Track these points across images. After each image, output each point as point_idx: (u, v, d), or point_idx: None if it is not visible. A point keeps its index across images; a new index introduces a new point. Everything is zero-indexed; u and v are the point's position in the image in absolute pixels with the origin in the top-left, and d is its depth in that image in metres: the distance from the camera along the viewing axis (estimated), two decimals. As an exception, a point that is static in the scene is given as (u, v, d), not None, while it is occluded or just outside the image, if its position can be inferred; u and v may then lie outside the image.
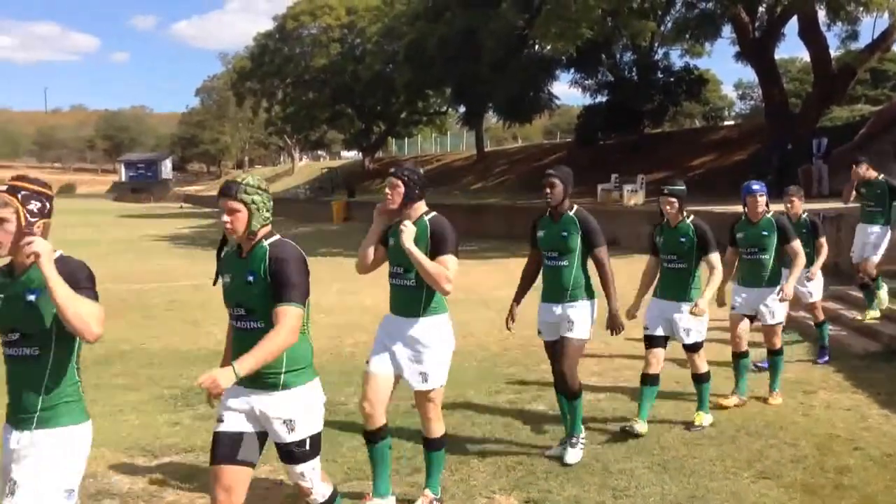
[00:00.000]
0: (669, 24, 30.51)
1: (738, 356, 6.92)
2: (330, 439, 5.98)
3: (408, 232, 4.30)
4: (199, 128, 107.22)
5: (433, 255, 4.36)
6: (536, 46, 33.02)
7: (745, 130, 32.87)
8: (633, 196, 24.56)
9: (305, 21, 53.80)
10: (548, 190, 5.52)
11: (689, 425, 6.17)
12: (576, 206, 5.47)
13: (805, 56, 33.51)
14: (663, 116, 37.62)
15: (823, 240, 8.25)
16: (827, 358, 8.31)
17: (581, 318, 5.39)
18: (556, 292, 5.46)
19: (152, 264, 20.28)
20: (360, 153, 60.59)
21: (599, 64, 35.24)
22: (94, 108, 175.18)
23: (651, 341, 6.06)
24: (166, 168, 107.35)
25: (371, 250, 4.58)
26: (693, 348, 6.09)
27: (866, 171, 9.56)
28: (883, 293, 9.48)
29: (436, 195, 39.15)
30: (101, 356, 9.37)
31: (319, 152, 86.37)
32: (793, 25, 25.03)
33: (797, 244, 6.87)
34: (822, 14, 23.93)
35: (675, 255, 6.03)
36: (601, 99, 36.39)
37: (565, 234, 5.37)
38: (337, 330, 10.71)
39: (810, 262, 8.00)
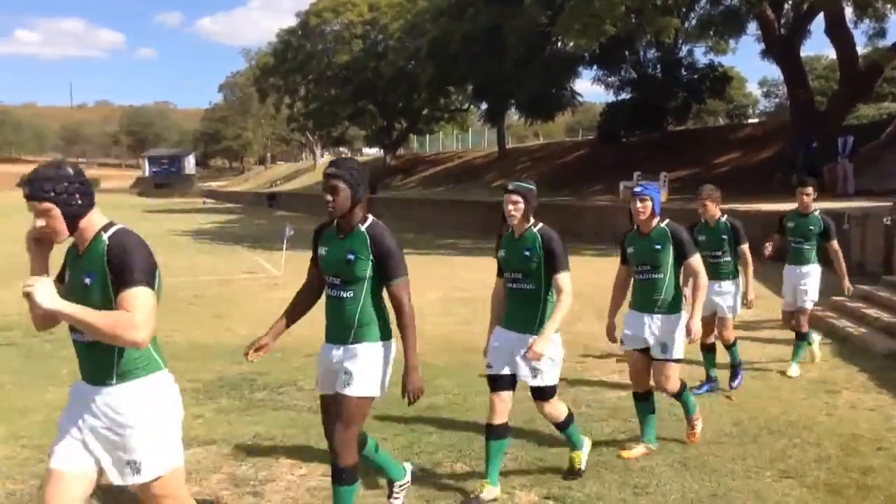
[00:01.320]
0: (693, 21, 30.27)
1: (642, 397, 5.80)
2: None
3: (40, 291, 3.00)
4: (221, 124, 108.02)
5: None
6: (559, 43, 32.92)
7: (770, 128, 32.60)
8: (656, 194, 24.40)
9: (328, 17, 54.03)
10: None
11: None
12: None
13: (831, 53, 33.16)
14: (687, 114, 37.38)
15: (745, 246, 7.19)
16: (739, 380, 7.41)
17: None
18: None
19: (177, 259, 20.42)
20: (382, 150, 60.73)
21: (623, 61, 35.07)
22: (119, 103, 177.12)
23: (494, 383, 4.88)
24: (189, 164, 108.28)
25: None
26: (541, 395, 4.89)
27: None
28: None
29: (457, 191, 39.19)
30: (125, 349, 9.46)
31: (341, 149, 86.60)
32: (819, 22, 24.83)
33: (695, 261, 5.58)
34: (849, 11, 23.70)
35: (519, 274, 4.86)
36: (624, 96, 36.21)
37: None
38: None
39: (732, 272, 7.24)
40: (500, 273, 5.04)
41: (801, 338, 8.00)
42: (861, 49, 25.96)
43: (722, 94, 37.56)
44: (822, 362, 8.20)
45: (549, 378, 4.81)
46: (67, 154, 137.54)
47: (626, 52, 34.16)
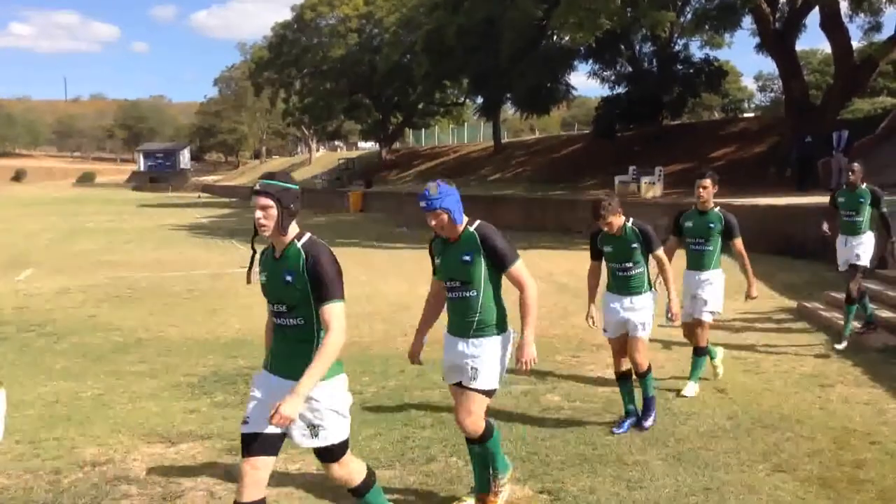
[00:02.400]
0: (689, 15, 30.29)
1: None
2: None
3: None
4: (217, 118, 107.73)
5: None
6: (555, 37, 32.88)
7: (765, 122, 32.64)
8: (651, 188, 24.44)
9: (323, 11, 53.96)
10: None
11: None
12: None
13: (826, 48, 33.17)
14: (682, 108, 37.37)
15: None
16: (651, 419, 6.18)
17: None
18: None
19: (172, 253, 20.40)
20: (378, 144, 60.68)
21: (618, 55, 35.04)
22: (114, 97, 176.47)
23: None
24: (184, 158, 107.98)
25: None
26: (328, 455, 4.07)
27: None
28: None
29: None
30: (119, 344, 9.47)
31: (337, 143, 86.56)
32: (814, 17, 24.80)
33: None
34: (844, 5, 23.76)
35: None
36: (620, 90, 36.20)
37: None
38: (355, 319, 10.74)
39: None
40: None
41: (700, 353, 6.94)
42: (856, 43, 26.08)
43: (717, 89, 37.55)
44: (816, 357, 8.21)
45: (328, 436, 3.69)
46: (61, 148, 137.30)
47: (622, 47, 34.13)
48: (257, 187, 3.60)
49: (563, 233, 22.66)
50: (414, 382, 7.23)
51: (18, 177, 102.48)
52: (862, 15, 25.17)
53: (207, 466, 5.32)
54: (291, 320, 3.62)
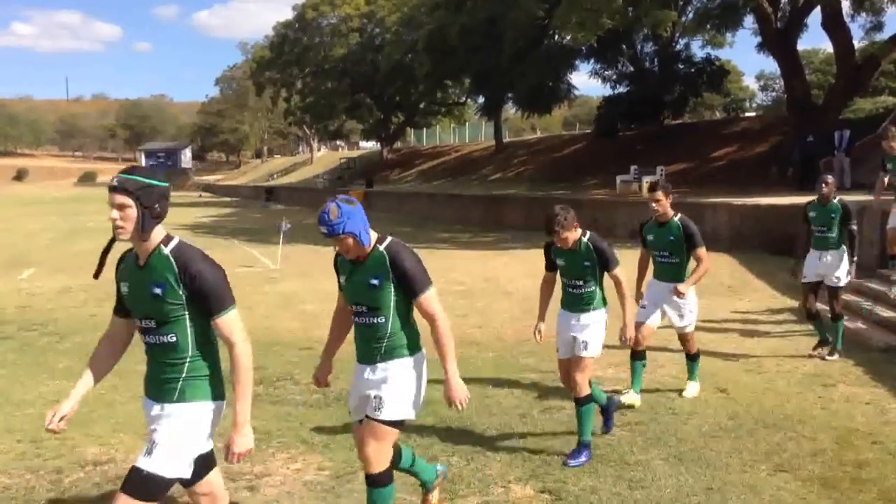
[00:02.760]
0: (691, 15, 30.22)
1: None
2: (347, 428, 6.02)
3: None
4: (218, 117, 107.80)
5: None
6: (556, 36, 32.85)
7: (767, 122, 32.57)
8: (653, 188, 24.39)
9: (325, 11, 53.95)
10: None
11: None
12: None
13: (828, 47, 33.12)
14: (684, 108, 37.32)
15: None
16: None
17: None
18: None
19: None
20: (379, 143, 60.65)
21: (620, 54, 34.99)
22: (116, 97, 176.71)
23: None
24: (186, 157, 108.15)
25: None
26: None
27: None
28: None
29: (454, 185, 39.13)
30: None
31: (338, 142, 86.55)
32: (816, 16, 24.74)
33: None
34: (845, 4, 23.69)
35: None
36: (621, 90, 36.15)
37: (375, 282, 3.85)
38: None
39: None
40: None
41: (693, 358, 6.91)
42: (858, 43, 26.00)
43: (719, 88, 37.45)
44: (818, 356, 8.19)
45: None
46: (63, 147, 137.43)
47: (624, 46, 34.07)
48: (113, 182, 3.13)
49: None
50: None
51: (20, 176, 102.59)
52: (864, 14, 25.10)
53: (209, 466, 5.31)
54: (162, 338, 3.22)
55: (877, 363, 7.82)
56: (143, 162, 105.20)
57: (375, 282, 3.82)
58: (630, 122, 34.90)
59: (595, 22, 23.14)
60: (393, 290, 3.82)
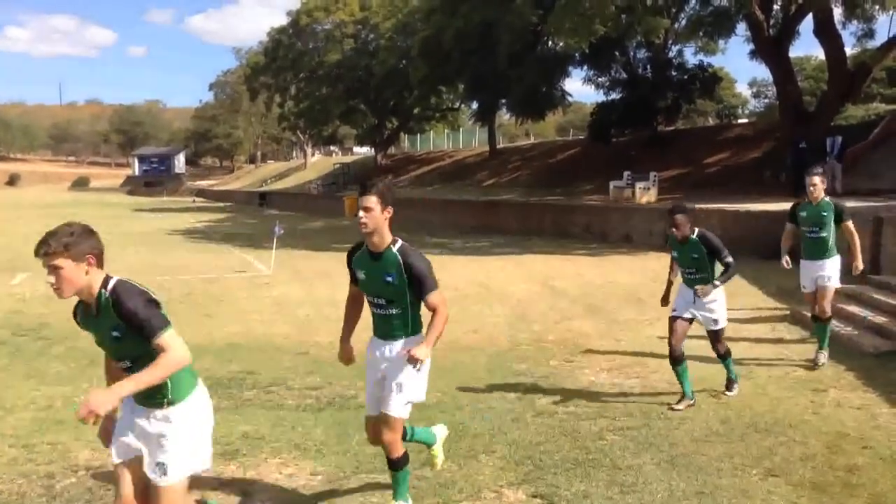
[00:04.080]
0: (684, 22, 30.35)
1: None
2: (340, 432, 6.03)
3: None
4: (212, 122, 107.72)
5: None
6: (550, 42, 32.92)
7: (759, 128, 32.70)
8: (646, 193, 24.48)
9: (319, 17, 54.00)
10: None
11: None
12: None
13: (820, 54, 33.22)
14: (677, 114, 37.46)
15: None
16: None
17: None
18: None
19: (167, 258, 20.35)
20: (373, 149, 60.67)
21: (613, 61, 35.11)
22: (109, 102, 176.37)
23: None
24: (179, 162, 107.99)
25: None
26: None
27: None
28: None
29: (448, 191, 39.18)
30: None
31: (332, 147, 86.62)
32: (808, 23, 24.86)
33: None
34: (837, 12, 23.77)
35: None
36: (615, 96, 36.27)
37: (389, 279, 4.32)
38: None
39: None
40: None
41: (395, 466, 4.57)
42: (850, 50, 26.07)
43: (712, 95, 37.60)
44: (809, 361, 8.21)
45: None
46: (57, 152, 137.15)
47: (617, 53, 34.20)
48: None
49: (559, 237, 22.68)
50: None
51: (13, 181, 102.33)
52: (855, 22, 25.19)
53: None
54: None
55: (868, 369, 7.85)
56: (136, 167, 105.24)
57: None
58: (623, 129, 35.05)
59: (588, 28, 23.22)
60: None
